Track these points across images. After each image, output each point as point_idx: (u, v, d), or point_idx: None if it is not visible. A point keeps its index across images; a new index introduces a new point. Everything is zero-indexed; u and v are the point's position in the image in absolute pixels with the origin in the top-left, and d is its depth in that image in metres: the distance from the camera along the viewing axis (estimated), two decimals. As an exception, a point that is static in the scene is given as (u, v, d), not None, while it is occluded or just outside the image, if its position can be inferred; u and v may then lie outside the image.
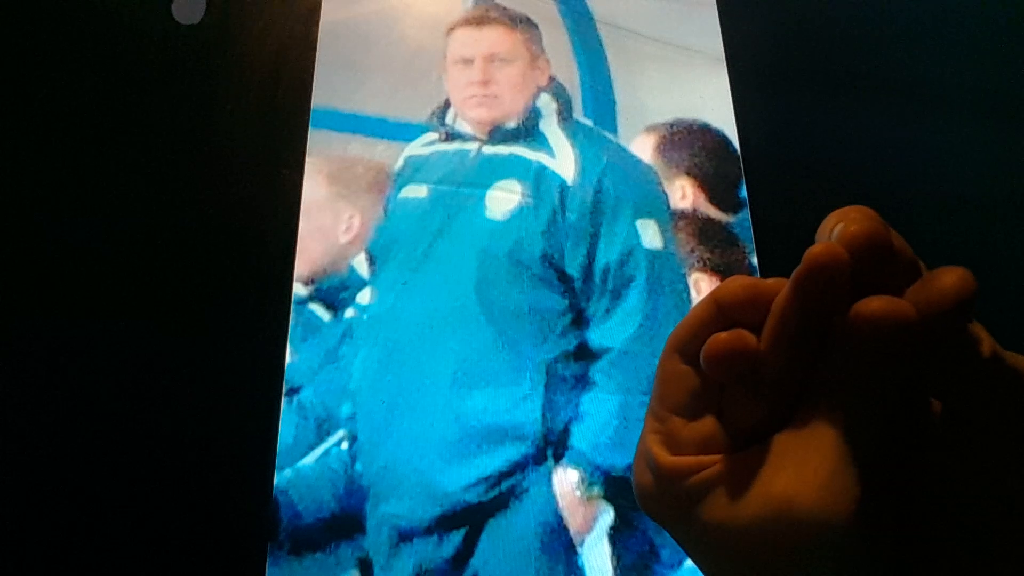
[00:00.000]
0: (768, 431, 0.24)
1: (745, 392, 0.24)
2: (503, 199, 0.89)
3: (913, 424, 0.23)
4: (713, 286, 0.87)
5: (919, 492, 0.22)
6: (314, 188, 0.88)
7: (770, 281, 0.25)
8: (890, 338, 0.21)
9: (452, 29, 0.98)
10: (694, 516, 0.24)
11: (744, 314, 0.25)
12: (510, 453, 0.78)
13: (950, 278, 0.21)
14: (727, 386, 0.25)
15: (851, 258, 0.21)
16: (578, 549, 0.75)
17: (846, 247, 0.21)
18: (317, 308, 0.83)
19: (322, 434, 0.78)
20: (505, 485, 0.77)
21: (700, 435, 0.25)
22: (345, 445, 0.77)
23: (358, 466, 0.77)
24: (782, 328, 0.23)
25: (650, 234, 0.88)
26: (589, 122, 0.94)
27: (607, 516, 0.76)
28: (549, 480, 0.77)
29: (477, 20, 0.98)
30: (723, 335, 0.24)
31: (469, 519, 0.75)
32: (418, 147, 0.91)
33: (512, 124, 0.93)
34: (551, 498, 0.77)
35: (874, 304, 0.21)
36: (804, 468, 0.22)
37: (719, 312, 0.25)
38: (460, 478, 0.76)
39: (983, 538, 0.22)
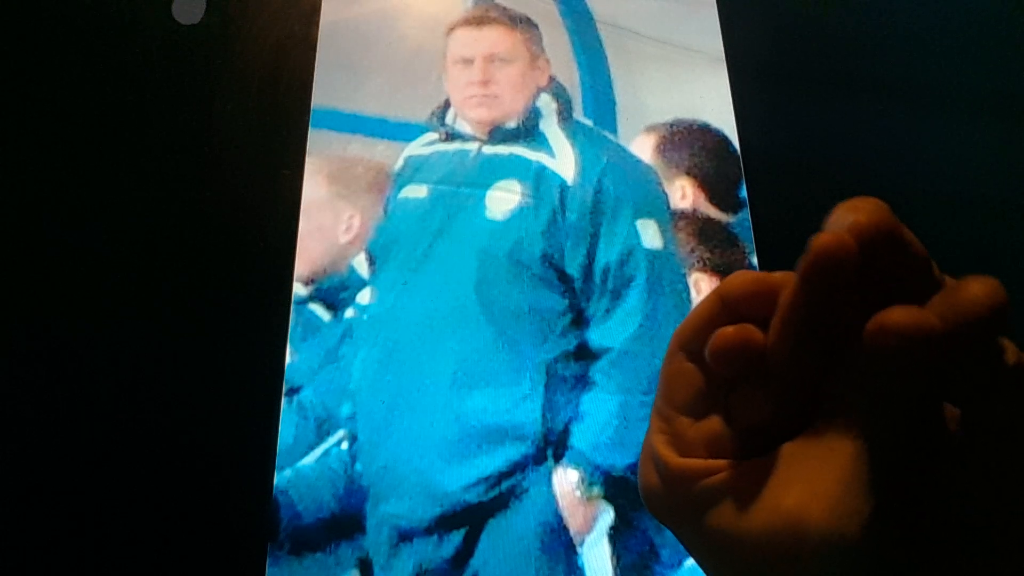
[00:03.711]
0: (776, 431, 0.23)
1: (752, 390, 0.24)
2: (503, 199, 0.89)
3: (931, 438, 0.22)
4: (713, 286, 0.87)
5: (933, 507, 0.21)
6: (314, 188, 0.88)
7: (776, 275, 0.24)
8: (912, 352, 0.20)
9: (452, 29, 0.98)
10: (701, 521, 0.24)
11: (750, 309, 0.24)
12: (510, 453, 0.78)
13: (980, 289, 0.20)
14: (734, 384, 0.25)
15: (859, 248, 0.20)
16: (578, 549, 0.75)
17: (854, 236, 0.21)
18: (317, 308, 0.83)
19: (322, 434, 0.78)
20: (505, 485, 0.77)
21: (707, 435, 0.25)
22: (345, 445, 0.77)
23: (358, 466, 0.76)
24: (789, 321, 0.22)
25: (650, 234, 0.88)
26: (589, 122, 0.94)
27: (607, 516, 0.76)
28: (549, 480, 0.77)
29: (477, 20, 0.98)
30: (729, 329, 0.23)
31: (469, 519, 0.75)
32: (418, 147, 0.91)
33: (512, 124, 0.93)
34: (551, 498, 0.77)
35: (896, 315, 0.20)
36: (816, 482, 0.21)
37: (724, 307, 0.25)
38: (460, 478, 0.76)
39: (998, 553, 0.21)
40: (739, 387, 0.25)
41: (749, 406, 0.24)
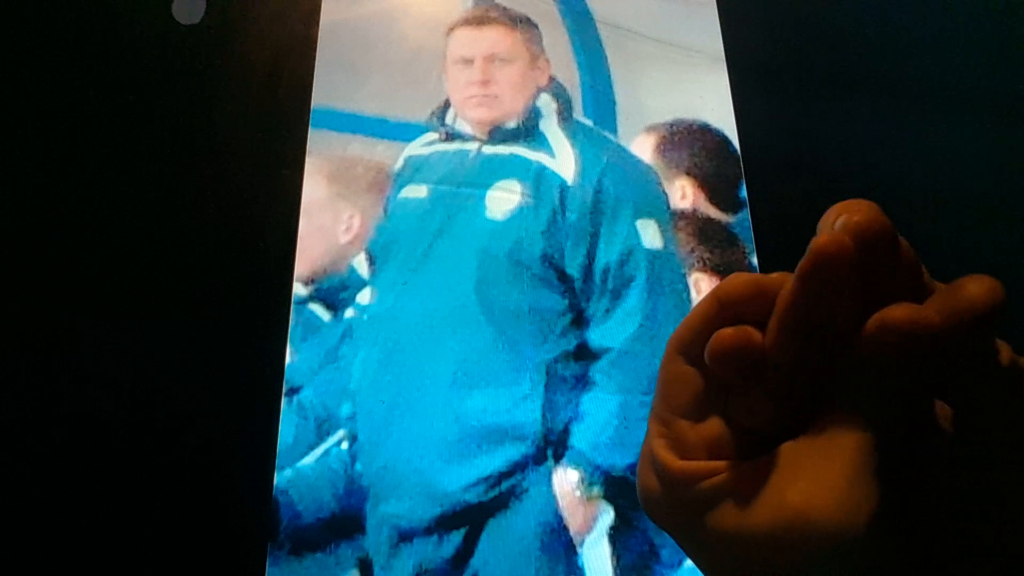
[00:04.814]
0: (776, 431, 0.23)
1: (751, 391, 0.24)
2: (503, 199, 0.89)
3: (931, 434, 0.22)
4: (713, 286, 0.87)
5: (936, 502, 0.22)
6: (314, 188, 0.88)
7: (773, 276, 0.24)
8: (913, 347, 0.20)
9: (452, 29, 0.98)
10: (702, 523, 0.24)
11: (748, 310, 0.24)
12: (510, 453, 0.78)
13: (980, 288, 0.20)
14: (733, 386, 0.25)
15: (856, 248, 0.21)
16: (578, 549, 0.75)
17: (851, 237, 0.21)
18: (317, 308, 0.83)
19: (322, 434, 0.78)
20: (505, 485, 0.77)
21: (707, 437, 0.25)
22: (345, 445, 0.77)
23: (358, 466, 0.77)
24: (788, 322, 0.23)
25: (650, 234, 0.88)
26: (589, 122, 0.94)
27: (607, 516, 0.76)
28: (549, 480, 0.77)
29: (477, 20, 0.98)
30: (727, 331, 0.23)
31: (469, 519, 0.75)
32: (418, 147, 0.91)
33: (512, 124, 0.93)
34: (551, 498, 0.77)
35: (898, 312, 0.20)
36: (820, 478, 0.21)
37: (722, 309, 0.25)
38: (460, 478, 0.76)
39: (1000, 548, 0.21)
40: (738, 388, 0.25)
41: (749, 407, 0.24)
